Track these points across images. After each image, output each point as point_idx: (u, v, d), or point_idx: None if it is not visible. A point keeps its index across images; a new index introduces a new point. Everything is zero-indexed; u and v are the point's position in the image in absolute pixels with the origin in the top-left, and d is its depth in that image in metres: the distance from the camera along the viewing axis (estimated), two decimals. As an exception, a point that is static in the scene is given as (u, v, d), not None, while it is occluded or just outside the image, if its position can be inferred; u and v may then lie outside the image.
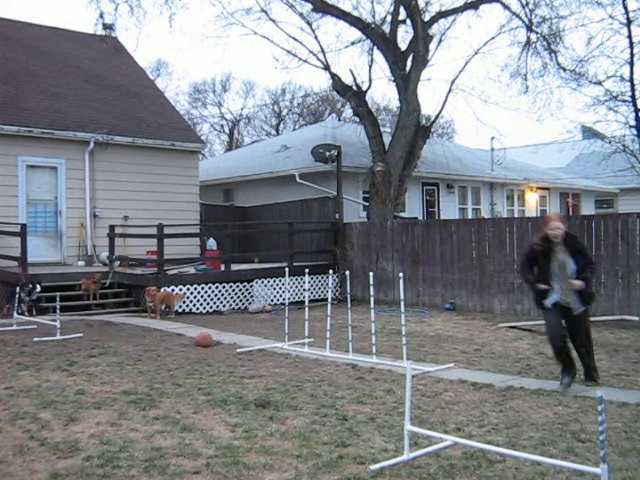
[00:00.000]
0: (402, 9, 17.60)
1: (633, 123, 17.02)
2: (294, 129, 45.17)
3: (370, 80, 17.93)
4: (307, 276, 10.13)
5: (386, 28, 18.01)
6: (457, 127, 62.45)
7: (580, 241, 7.29)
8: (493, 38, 18.29)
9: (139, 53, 49.22)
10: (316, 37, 17.83)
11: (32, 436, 5.21)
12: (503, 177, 23.56)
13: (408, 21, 17.73)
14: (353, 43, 18.93)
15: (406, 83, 17.19)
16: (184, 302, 13.56)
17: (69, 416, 5.75)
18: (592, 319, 11.11)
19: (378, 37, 17.68)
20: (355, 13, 17.99)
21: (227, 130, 50.55)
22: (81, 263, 16.03)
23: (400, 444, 4.91)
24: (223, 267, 14.77)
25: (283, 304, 13.37)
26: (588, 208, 27.45)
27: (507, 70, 18.86)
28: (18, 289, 11.93)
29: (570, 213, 25.43)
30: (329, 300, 9.26)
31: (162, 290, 13.06)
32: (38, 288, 12.53)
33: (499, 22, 42.03)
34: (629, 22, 16.36)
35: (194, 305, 13.83)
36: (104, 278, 14.05)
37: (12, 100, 16.29)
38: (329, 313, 9.08)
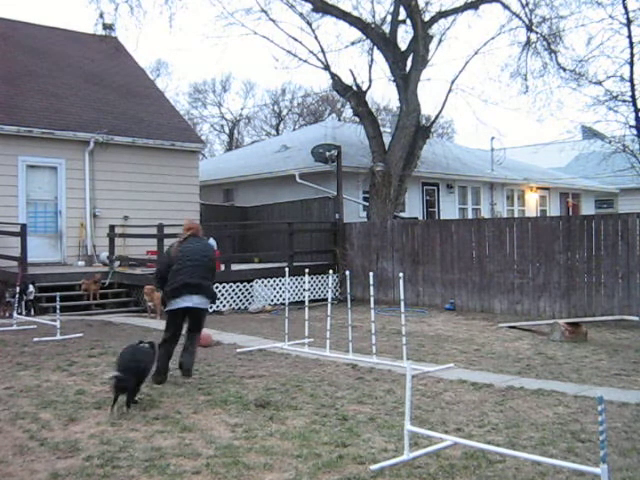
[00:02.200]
0: (402, 9, 17.60)
1: (633, 123, 16.99)
2: (294, 129, 45.16)
3: (370, 80, 17.95)
4: (307, 276, 10.12)
5: (386, 28, 18.01)
6: (457, 127, 62.57)
7: None
8: (493, 38, 18.32)
9: (139, 53, 49.28)
10: (316, 37, 17.85)
11: (32, 436, 5.21)
12: (503, 177, 23.56)
13: (408, 21, 17.73)
14: (353, 43, 18.94)
15: (406, 83, 17.19)
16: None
17: (69, 416, 5.75)
18: (592, 319, 11.20)
19: (378, 37, 17.68)
20: (355, 13, 18.01)
21: (227, 130, 50.55)
22: (81, 263, 16.03)
23: (400, 444, 4.91)
24: (223, 267, 14.74)
25: (283, 304, 13.36)
26: (588, 208, 27.44)
27: (507, 70, 18.87)
28: (18, 289, 11.93)
29: (570, 213, 25.43)
30: (329, 300, 9.26)
31: (162, 290, 13.06)
32: (31, 288, 12.52)
33: (499, 22, 42.09)
34: (629, 22, 16.33)
35: (194, 305, 13.81)
36: (104, 278, 14.05)
37: (12, 100, 16.29)
38: (329, 313, 9.08)
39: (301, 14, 17.78)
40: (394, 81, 17.66)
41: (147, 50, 59.26)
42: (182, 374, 7.17)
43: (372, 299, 8.86)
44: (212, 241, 16.19)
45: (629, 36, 16.38)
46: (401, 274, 8.50)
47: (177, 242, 7.45)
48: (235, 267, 14.97)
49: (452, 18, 18.08)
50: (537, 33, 17.74)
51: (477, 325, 11.96)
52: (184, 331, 7.44)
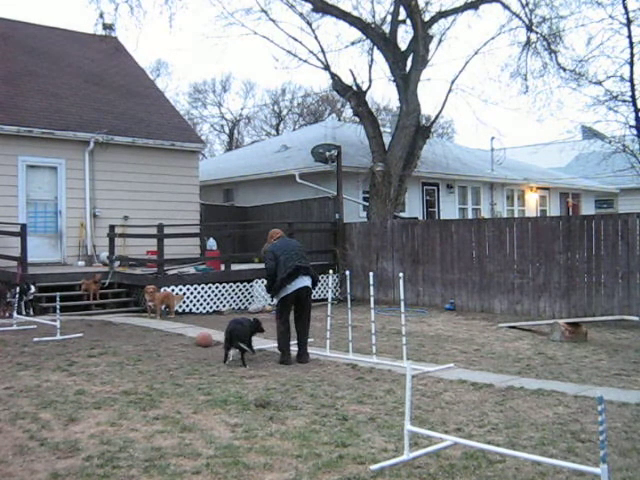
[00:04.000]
0: (402, 9, 17.60)
1: (633, 123, 17.00)
2: (294, 129, 45.15)
3: (370, 80, 17.95)
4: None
5: (386, 28, 18.01)
6: (457, 127, 62.60)
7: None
8: (493, 38, 18.32)
9: (139, 53, 49.29)
10: (316, 37, 17.84)
11: (32, 436, 5.21)
12: (503, 177, 23.56)
13: (408, 21, 17.73)
14: (353, 43, 18.94)
15: (406, 83, 17.18)
16: (184, 302, 13.56)
17: (69, 416, 5.75)
18: (592, 319, 11.19)
19: (378, 37, 17.68)
20: (355, 13, 18.01)
21: (227, 130, 50.55)
22: (81, 263, 16.03)
23: (400, 444, 4.91)
24: (223, 267, 14.76)
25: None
26: (588, 208, 27.43)
27: (507, 70, 18.88)
28: (18, 289, 11.93)
29: (570, 213, 25.43)
30: (329, 300, 9.26)
31: (162, 290, 13.06)
32: (32, 289, 12.52)
33: (499, 22, 42.12)
34: (629, 22, 16.34)
35: (194, 305, 13.83)
36: (104, 278, 14.04)
37: (12, 100, 16.29)
38: (329, 313, 9.08)
39: (301, 14, 17.80)
40: (394, 81, 17.66)
41: (147, 50, 59.28)
42: (299, 362, 8.37)
43: (372, 299, 8.86)
44: (212, 241, 16.25)
45: (629, 36, 16.39)
46: (401, 274, 8.50)
47: (270, 243, 8.72)
48: (235, 267, 14.97)
49: (452, 18, 18.09)
50: (537, 33, 17.74)
51: (477, 325, 11.95)
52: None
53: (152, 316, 12.53)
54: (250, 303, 14.61)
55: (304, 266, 8.41)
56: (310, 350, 9.05)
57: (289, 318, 8.58)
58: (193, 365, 8.07)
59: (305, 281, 8.43)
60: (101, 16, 18.56)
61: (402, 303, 8.33)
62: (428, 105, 73.05)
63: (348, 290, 9.77)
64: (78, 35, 20.85)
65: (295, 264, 8.32)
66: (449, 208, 21.69)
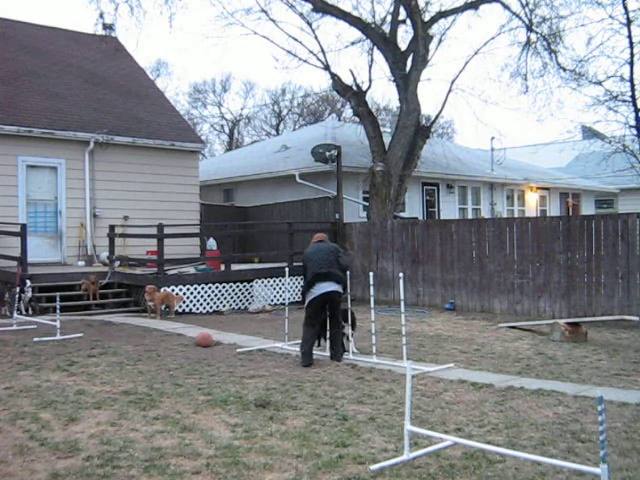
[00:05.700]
0: (402, 9, 17.61)
1: (633, 123, 17.01)
2: (294, 129, 45.16)
3: (370, 80, 17.97)
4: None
5: (386, 28, 18.02)
6: (457, 127, 62.58)
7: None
8: (493, 38, 18.36)
9: (139, 53, 49.32)
10: (316, 37, 17.87)
11: (32, 436, 5.21)
12: (503, 177, 23.56)
13: (408, 21, 17.74)
14: (353, 43, 18.96)
15: (406, 83, 17.19)
16: (184, 302, 13.56)
17: (69, 416, 5.75)
18: (592, 319, 11.20)
19: (378, 37, 17.69)
20: (355, 13, 18.02)
21: (227, 130, 50.55)
22: (81, 263, 16.02)
23: (400, 444, 4.91)
24: (223, 267, 14.76)
25: (283, 304, 13.36)
26: (588, 208, 27.43)
27: (507, 70, 18.91)
28: (18, 289, 11.94)
29: (570, 213, 25.42)
30: (329, 300, 9.25)
31: (162, 290, 13.06)
32: (28, 283, 12.51)
33: (499, 22, 42.15)
34: (629, 22, 16.36)
35: (194, 305, 13.83)
36: (101, 278, 14.02)
37: (12, 100, 16.28)
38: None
39: (301, 14, 17.81)
40: (394, 81, 17.67)
41: (147, 50, 59.34)
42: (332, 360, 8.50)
43: (372, 299, 8.87)
44: (212, 241, 16.25)
45: (629, 36, 16.41)
46: (401, 274, 8.50)
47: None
48: (235, 267, 14.97)
49: (452, 18, 18.11)
50: (537, 33, 17.76)
51: (477, 325, 11.95)
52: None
53: (152, 316, 12.53)
54: (250, 303, 14.61)
55: (324, 273, 8.45)
56: (310, 350, 9.08)
57: (314, 323, 8.58)
58: (193, 365, 8.07)
59: (327, 286, 8.45)
60: (101, 16, 18.56)
61: (402, 303, 8.33)
62: (428, 105, 73.12)
63: (348, 290, 9.76)
64: (78, 35, 20.86)
65: (314, 271, 8.49)
66: (449, 208, 21.69)
